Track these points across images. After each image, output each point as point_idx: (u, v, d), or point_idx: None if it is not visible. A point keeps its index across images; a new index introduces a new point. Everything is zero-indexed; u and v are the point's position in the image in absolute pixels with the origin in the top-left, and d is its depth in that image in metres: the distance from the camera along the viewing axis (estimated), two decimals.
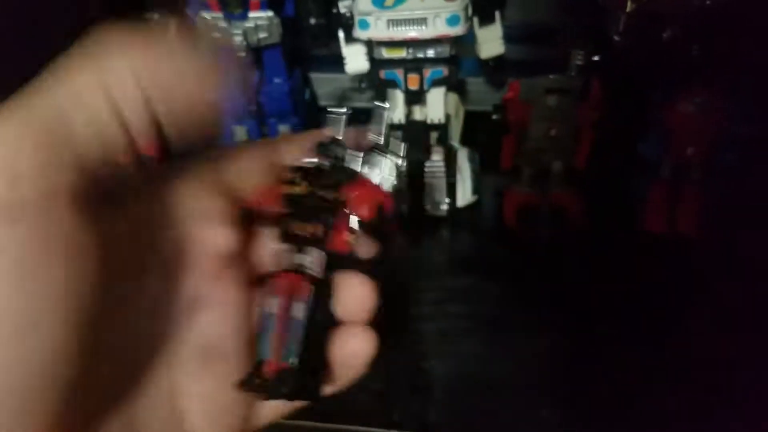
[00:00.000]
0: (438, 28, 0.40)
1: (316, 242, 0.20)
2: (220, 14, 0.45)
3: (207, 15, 0.45)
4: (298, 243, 0.20)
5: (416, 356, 0.39)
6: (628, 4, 0.40)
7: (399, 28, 0.40)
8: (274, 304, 0.20)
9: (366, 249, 0.21)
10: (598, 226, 0.47)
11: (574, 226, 0.45)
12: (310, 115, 0.54)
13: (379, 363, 0.38)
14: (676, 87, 0.43)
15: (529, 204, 0.45)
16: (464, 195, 0.48)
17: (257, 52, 0.47)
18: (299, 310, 0.19)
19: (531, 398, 0.35)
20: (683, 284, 0.43)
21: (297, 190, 0.20)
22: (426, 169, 0.48)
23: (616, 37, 0.45)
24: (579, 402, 0.35)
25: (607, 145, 0.43)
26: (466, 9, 0.40)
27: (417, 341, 0.40)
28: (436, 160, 0.48)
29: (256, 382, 0.19)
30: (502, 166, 0.45)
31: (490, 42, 0.45)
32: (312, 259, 0.20)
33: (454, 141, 0.51)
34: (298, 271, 0.20)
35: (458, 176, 0.48)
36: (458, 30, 0.41)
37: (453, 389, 0.36)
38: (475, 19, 0.44)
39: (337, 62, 0.47)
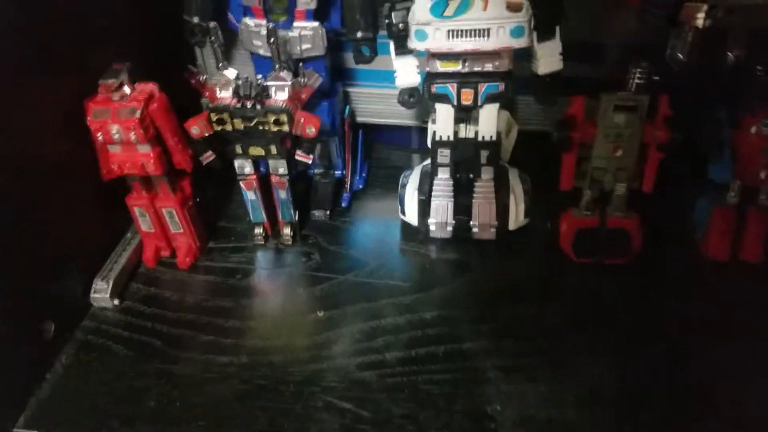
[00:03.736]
0: (501, 39, 0.38)
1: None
2: (263, 21, 0.42)
3: (250, 22, 0.42)
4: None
5: (478, 398, 0.35)
6: (702, 20, 0.37)
7: (459, 39, 0.38)
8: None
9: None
10: (659, 252, 0.44)
11: (634, 252, 0.43)
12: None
13: (441, 404, 0.35)
14: (747, 108, 0.40)
15: (587, 228, 0.42)
16: (517, 218, 0.45)
17: (299, 64, 0.44)
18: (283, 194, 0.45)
19: None
20: (744, 313, 0.40)
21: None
22: (475, 190, 0.45)
23: (680, 55, 0.43)
24: None
25: (673, 168, 0.41)
26: (530, 21, 0.38)
27: (478, 380, 0.36)
28: (486, 179, 0.45)
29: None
30: (560, 188, 0.42)
31: (549, 57, 0.42)
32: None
33: (505, 161, 0.48)
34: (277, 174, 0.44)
35: (511, 198, 0.45)
36: (522, 42, 0.38)
37: None
38: (534, 34, 0.41)
39: (377, 76, 0.45)
